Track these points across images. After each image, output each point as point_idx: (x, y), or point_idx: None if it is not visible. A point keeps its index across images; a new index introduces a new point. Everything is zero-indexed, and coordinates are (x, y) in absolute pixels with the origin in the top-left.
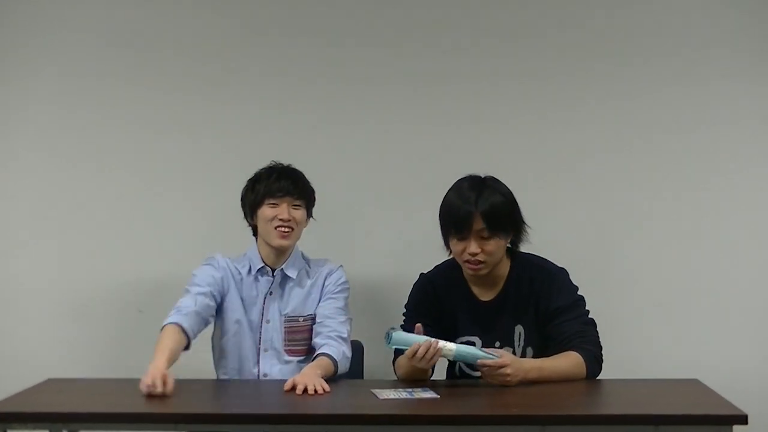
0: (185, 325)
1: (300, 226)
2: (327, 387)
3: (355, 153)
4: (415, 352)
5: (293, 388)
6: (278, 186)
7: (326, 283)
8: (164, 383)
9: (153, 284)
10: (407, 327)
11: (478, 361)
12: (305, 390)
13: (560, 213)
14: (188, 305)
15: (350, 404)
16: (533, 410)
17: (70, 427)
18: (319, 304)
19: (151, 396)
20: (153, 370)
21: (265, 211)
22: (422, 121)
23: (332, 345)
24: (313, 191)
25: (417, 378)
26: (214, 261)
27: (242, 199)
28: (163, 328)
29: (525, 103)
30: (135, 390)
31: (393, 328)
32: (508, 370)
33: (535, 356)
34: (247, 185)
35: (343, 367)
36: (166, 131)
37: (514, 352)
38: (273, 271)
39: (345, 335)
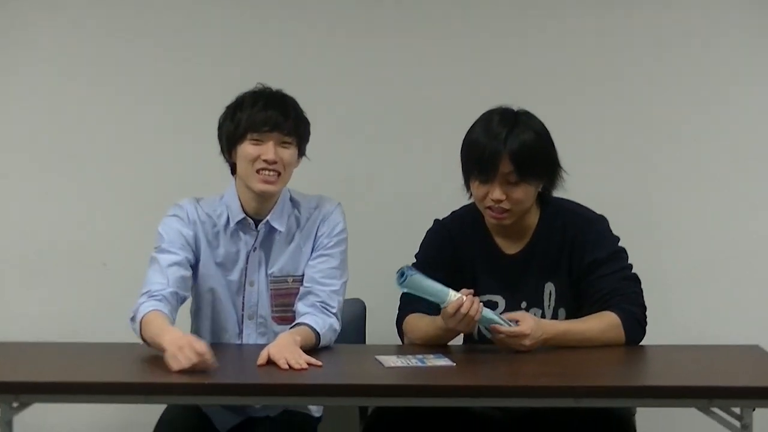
0: (166, 311)
1: (289, 168)
2: (310, 361)
3: (357, 77)
4: (457, 309)
5: (269, 361)
6: (264, 117)
7: (319, 234)
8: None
9: (120, 232)
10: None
11: (491, 326)
12: (290, 366)
13: (597, 155)
14: (160, 285)
15: (351, 373)
16: (565, 380)
17: (22, 399)
18: (309, 262)
19: (179, 370)
20: (182, 340)
21: (247, 149)
22: (437, 44)
23: (316, 315)
24: (308, 124)
25: (436, 342)
26: (182, 211)
27: (219, 129)
28: (137, 318)
29: (546, 36)
30: (99, 357)
31: (409, 267)
32: (527, 341)
33: (568, 317)
34: (225, 112)
35: (328, 339)
36: (136, 59)
37: (543, 315)
38: (256, 224)
39: (335, 308)
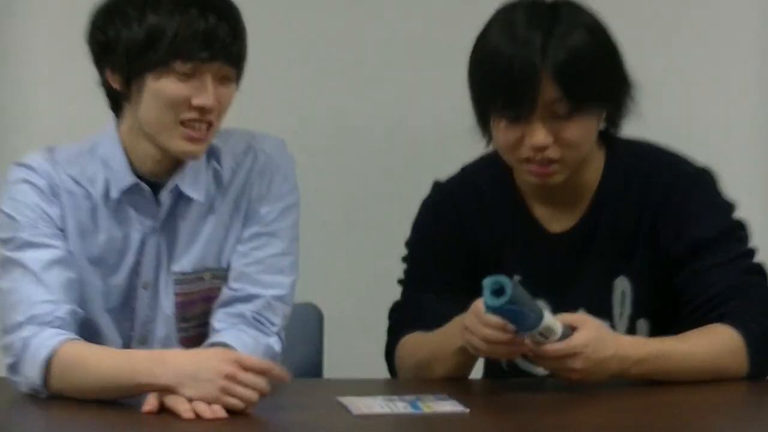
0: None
1: (223, 115)
2: (236, 406)
3: None
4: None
5: (162, 408)
6: (204, 33)
7: (254, 197)
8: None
9: None
10: (413, 294)
11: (527, 337)
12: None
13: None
14: (46, 304)
15: (297, 426)
16: None
17: None
18: (237, 247)
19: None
20: (213, 361)
21: (169, 88)
22: None
23: (244, 332)
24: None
25: (451, 373)
26: (35, 175)
27: (93, 34)
28: (38, 361)
29: None
30: None
31: (501, 276)
32: (577, 363)
33: (652, 334)
34: (112, 4)
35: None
36: None
37: (613, 327)
38: (155, 191)
39: (276, 323)
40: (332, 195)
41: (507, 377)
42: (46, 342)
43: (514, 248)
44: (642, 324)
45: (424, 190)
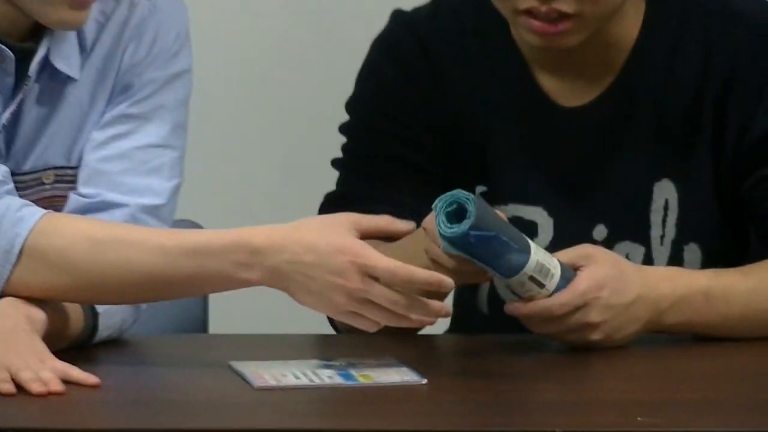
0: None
1: None
2: (69, 373)
3: None
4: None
5: None
6: None
7: (126, 62)
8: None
9: None
10: (354, 184)
11: (507, 286)
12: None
13: None
14: None
15: (170, 406)
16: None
17: None
18: (93, 133)
19: None
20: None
21: None
22: None
23: None
24: None
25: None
26: None
27: None
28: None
29: None
30: None
31: (465, 194)
32: (591, 316)
33: (705, 265)
34: None
35: (118, 320)
36: None
37: (648, 257)
38: (17, 57)
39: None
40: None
41: (485, 328)
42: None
43: (508, 126)
44: (692, 252)
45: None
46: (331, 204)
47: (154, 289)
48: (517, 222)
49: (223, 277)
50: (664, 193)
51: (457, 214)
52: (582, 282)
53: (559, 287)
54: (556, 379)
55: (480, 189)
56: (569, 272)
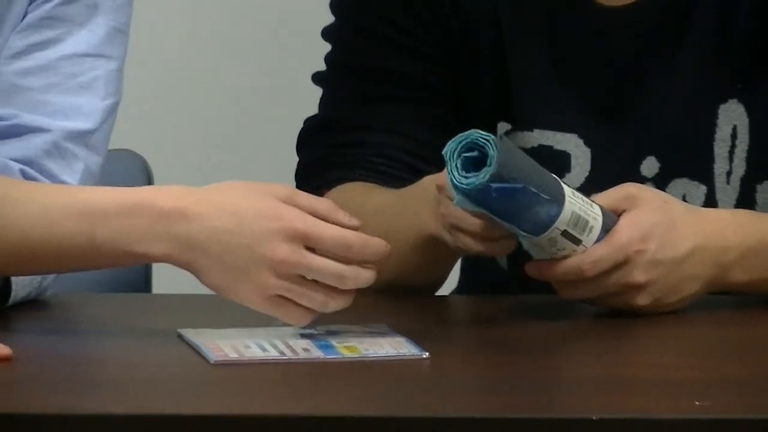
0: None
1: None
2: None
3: None
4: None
5: None
6: None
7: None
8: None
9: None
10: (343, 103)
11: (535, 244)
12: None
13: None
14: None
15: (105, 383)
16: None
17: None
18: (10, 42)
19: None
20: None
21: None
22: None
23: None
24: None
25: (414, 276)
26: None
27: None
28: None
29: None
30: None
31: (480, 134)
32: (635, 276)
33: None
34: None
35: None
36: None
37: (712, 198)
38: None
39: (68, 180)
40: None
41: (503, 287)
42: None
43: (533, 32)
44: (766, 192)
45: None
46: (311, 132)
47: (33, 259)
48: (546, 153)
49: (116, 249)
50: (732, 117)
51: (474, 161)
52: (621, 232)
53: (600, 240)
54: (590, 351)
55: (503, 127)
56: (612, 219)
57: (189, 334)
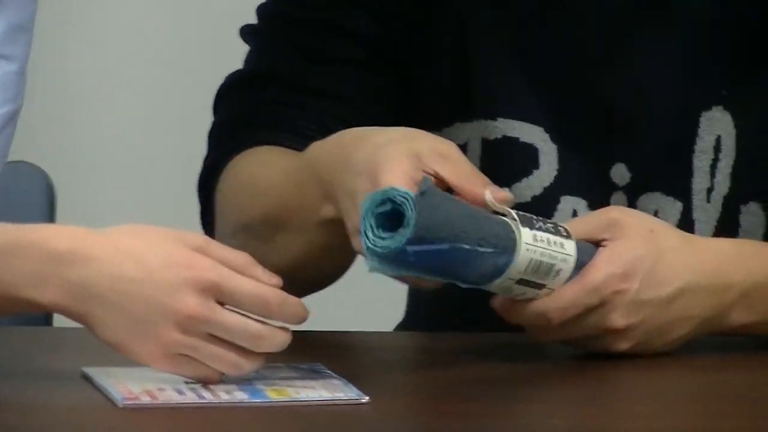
0: None
1: None
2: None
3: None
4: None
5: None
6: None
7: None
8: None
9: None
10: (273, 51)
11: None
12: None
13: None
14: None
15: None
16: None
17: None
18: None
19: None
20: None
21: None
22: None
23: None
24: None
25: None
26: None
27: None
28: None
29: None
30: None
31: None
32: (613, 320)
33: None
34: None
35: None
36: None
37: (688, 218)
38: None
39: None
40: None
41: (457, 321)
42: None
43: (499, 15)
44: (751, 215)
45: None
46: (233, 88)
47: None
48: (512, 146)
49: (2, 294)
50: (716, 126)
51: (392, 218)
52: (598, 271)
53: (573, 278)
54: (558, 398)
55: (459, 131)
56: (588, 253)
57: (95, 373)
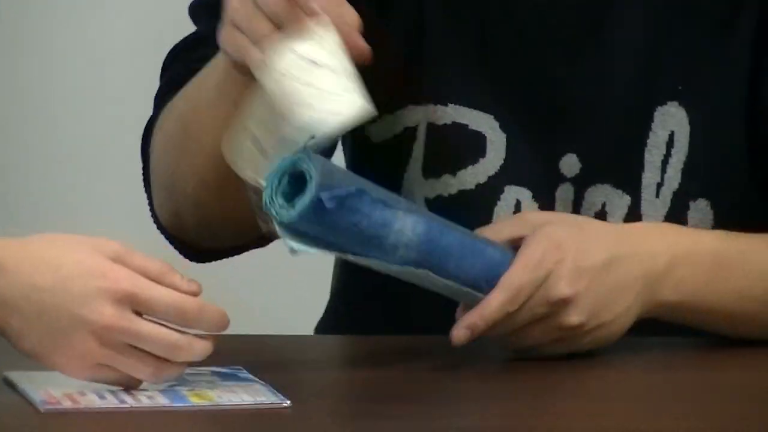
0: None
1: None
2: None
3: None
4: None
5: None
6: None
7: None
8: None
9: None
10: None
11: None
12: None
13: None
14: None
15: None
16: None
17: None
18: None
19: None
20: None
21: None
22: None
23: None
24: None
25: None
26: None
27: None
28: None
29: None
30: None
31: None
32: (562, 287)
33: (717, 226)
34: None
35: None
36: None
37: (636, 212)
38: None
39: None
40: None
41: (380, 319)
42: None
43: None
44: (700, 211)
45: None
46: (183, 49)
47: None
48: (460, 132)
49: None
50: (670, 122)
51: (296, 186)
52: (533, 248)
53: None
54: (485, 397)
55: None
56: (506, 256)
57: (16, 378)
